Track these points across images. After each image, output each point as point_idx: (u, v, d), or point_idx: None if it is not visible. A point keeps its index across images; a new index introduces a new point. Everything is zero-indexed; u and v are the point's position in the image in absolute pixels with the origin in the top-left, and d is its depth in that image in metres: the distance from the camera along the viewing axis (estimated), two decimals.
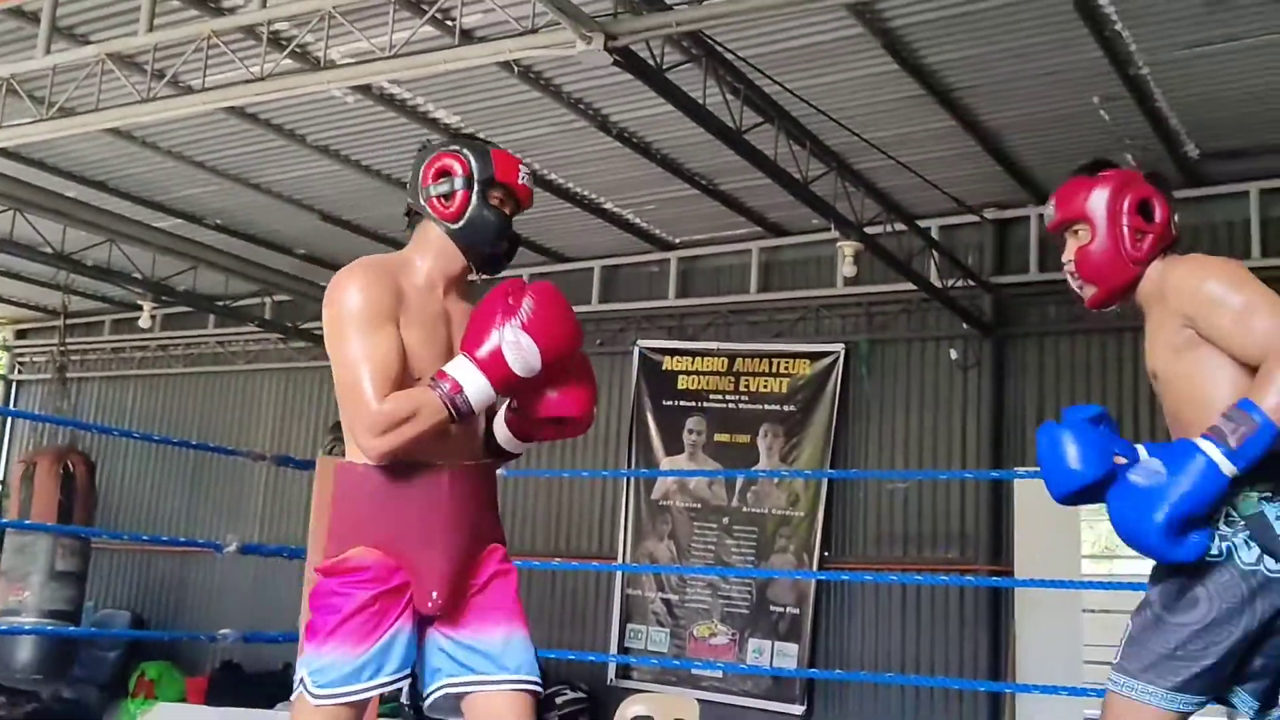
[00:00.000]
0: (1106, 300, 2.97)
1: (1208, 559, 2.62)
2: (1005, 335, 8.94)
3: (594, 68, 6.70)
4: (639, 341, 10.20)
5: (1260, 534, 2.62)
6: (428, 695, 2.81)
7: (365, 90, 7.38)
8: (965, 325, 8.89)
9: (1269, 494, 2.63)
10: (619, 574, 9.74)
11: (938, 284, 8.64)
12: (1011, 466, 8.57)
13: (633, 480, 9.88)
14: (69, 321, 12.08)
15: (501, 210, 2.89)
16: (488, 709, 2.79)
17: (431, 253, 2.86)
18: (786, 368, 9.55)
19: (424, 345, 2.76)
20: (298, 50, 6.49)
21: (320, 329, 11.74)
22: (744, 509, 9.48)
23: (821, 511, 9.16)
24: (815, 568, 8.99)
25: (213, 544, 6.85)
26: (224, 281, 10.95)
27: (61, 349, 11.56)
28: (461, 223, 2.84)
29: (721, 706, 8.94)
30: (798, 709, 8.96)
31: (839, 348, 9.41)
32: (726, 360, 9.82)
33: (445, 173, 2.85)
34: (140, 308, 11.08)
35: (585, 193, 9.12)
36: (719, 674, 9.14)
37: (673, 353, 9.99)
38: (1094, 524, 18.87)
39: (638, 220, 9.73)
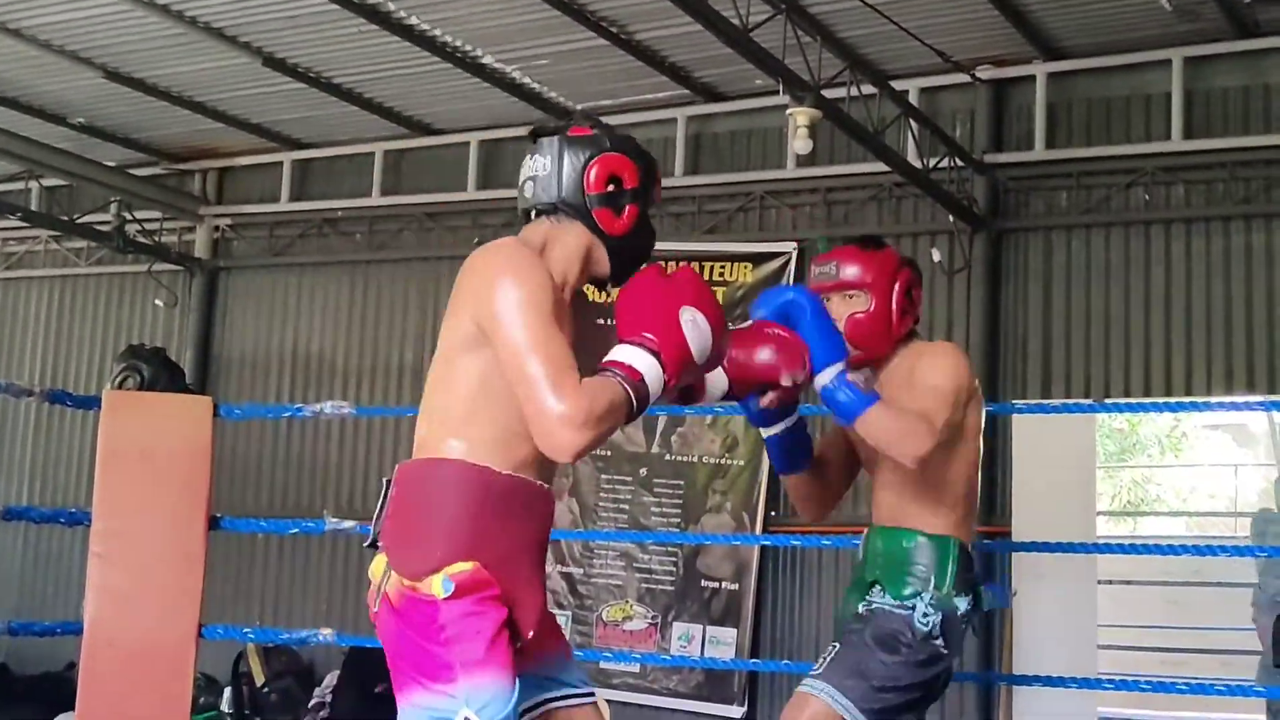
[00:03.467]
0: (860, 366, 4.01)
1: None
2: (1002, 230, 9.03)
3: None
4: None
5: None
6: None
7: None
8: (952, 218, 8.97)
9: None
10: None
11: (917, 164, 8.69)
12: (1009, 398, 8.71)
13: None
14: None
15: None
16: None
17: (574, 257, 3.15)
18: (722, 273, 9.59)
19: None
20: None
21: (107, 223, 11.43)
22: (667, 456, 9.55)
23: (766, 460, 9.25)
24: (759, 531, 9.11)
25: None
26: None
27: None
28: (626, 239, 3.19)
29: (639, 709, 9.07)
30: (736, 711, 9.11)
31: (790, 247, 9.46)
32: None
33: (615, 178, 3.15)
34: None
35: (458, 43, 9.02)
36: (635, 667, 9.25)
37: None
38: (1113, 473, 19.25)
39: (526, 80, 9.64)
